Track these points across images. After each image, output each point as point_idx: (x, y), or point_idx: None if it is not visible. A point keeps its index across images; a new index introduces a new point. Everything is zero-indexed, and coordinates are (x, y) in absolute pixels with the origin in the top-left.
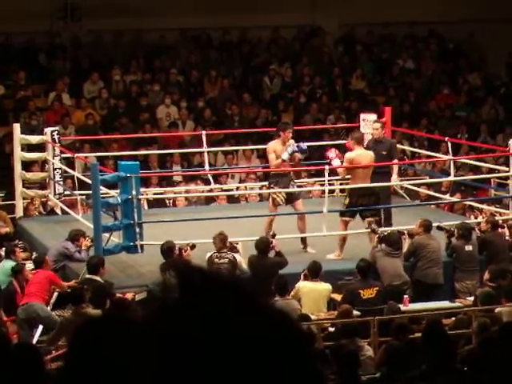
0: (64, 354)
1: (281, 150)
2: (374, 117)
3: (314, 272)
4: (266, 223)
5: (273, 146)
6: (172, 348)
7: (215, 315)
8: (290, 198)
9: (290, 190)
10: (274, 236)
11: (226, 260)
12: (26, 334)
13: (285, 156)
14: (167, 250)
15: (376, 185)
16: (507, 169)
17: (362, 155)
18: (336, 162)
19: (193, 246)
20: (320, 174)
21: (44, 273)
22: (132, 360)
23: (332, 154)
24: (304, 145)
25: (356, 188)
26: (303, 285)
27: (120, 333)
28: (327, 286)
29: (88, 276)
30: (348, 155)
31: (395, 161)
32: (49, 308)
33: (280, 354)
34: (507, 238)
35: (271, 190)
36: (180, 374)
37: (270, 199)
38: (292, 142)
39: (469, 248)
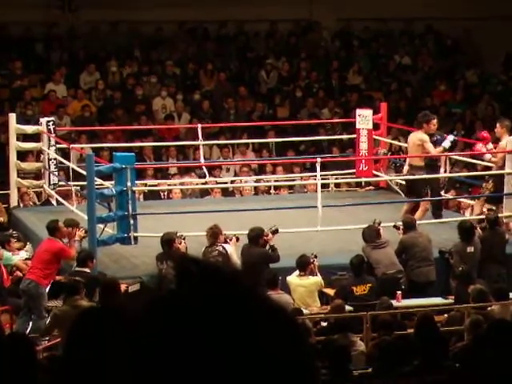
0: (62, 345)
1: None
2: (370, 112)
3: (301, 266)
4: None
5: (422, 137)
6: (181, 342)
7: (219, 308)
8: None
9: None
10: (275, 232)
11: (216, 252)
12: (25, 305)
13: (446, 144)
14: (167, 241)
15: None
16: None
17: None
18: (487, 156)
19: (183, 238)
20: (315, 168)
21: (48, 245)
22: (134, 353)
23: (480, 146)
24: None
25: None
26: (292, 280)
27: (118, 324)
28: (314, 280)
29: (77, 269)
30: (503, 143)
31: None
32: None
33: (281, 348)
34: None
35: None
36: (189, 371)
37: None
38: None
39: (471, 249)
